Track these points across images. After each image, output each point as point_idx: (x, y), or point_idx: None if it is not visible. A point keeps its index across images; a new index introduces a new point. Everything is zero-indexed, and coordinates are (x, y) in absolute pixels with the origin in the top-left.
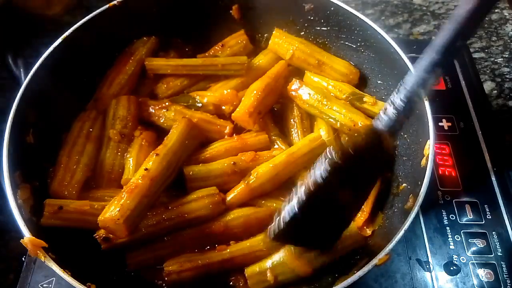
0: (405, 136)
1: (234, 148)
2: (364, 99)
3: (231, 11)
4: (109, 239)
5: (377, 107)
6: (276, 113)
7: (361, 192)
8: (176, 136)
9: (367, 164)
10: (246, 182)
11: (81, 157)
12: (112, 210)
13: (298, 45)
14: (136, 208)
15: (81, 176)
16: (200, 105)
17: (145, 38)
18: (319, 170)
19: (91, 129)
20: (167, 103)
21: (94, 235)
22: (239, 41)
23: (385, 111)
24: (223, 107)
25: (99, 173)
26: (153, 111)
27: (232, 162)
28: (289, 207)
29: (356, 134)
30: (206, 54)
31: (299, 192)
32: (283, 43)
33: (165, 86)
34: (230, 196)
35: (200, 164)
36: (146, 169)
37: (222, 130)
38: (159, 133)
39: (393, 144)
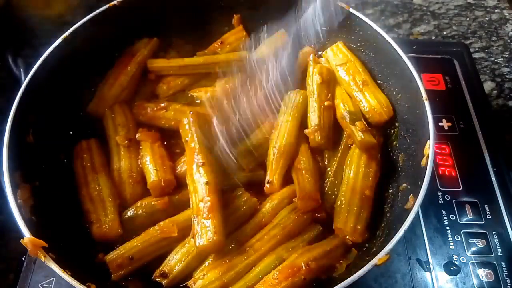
0: (405, 136)
1: None
2: (357, 123)
3: (230, 12)
4: (166, 274)
5: (366, 135)
6: None
7: None
8: (197, 133)
9: None
10: None
11: (101, 192)
12: (206, 234)
13: (354, 60)
14: (223, 221)
15: (113, 210)
16: (198, 101)
17: (146, 39)
18: None
19: (93, 161)
20: (163, 104)
21: (152, 278)
22: (238, 37)
23: None
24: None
25: (119, 181)
26: (152, 113)
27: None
28: None
29: None
30: (206, 51)
31: None
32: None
33: (166, 86)
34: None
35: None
36: (206, 183)
37: None
38: (161, 132)
39: None
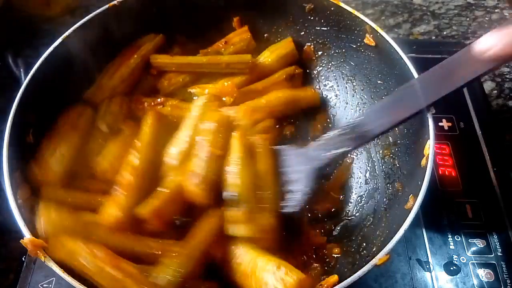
0: (405, 136)
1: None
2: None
3: (231, 13)
4: None
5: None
6: None
7: None
8: (146, 132)
9: None
10: None
11: (65, 146)
12: (113, 210)
13: None
14: (134, 202)
15: (64, 166)
16: (196, 98)
17: (152, 34)
18: None
19: (78, 119)
20: (159, 100)
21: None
22: (243, 38)
23: None
24: (224, 98)
25: (82, 165)
26: (149, 108)
27: None
28: None
29: None
30: (209, 50)
31: None
32: None
33: (167, 82)
34: None
35: None
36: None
37: None
38: None
39: None
